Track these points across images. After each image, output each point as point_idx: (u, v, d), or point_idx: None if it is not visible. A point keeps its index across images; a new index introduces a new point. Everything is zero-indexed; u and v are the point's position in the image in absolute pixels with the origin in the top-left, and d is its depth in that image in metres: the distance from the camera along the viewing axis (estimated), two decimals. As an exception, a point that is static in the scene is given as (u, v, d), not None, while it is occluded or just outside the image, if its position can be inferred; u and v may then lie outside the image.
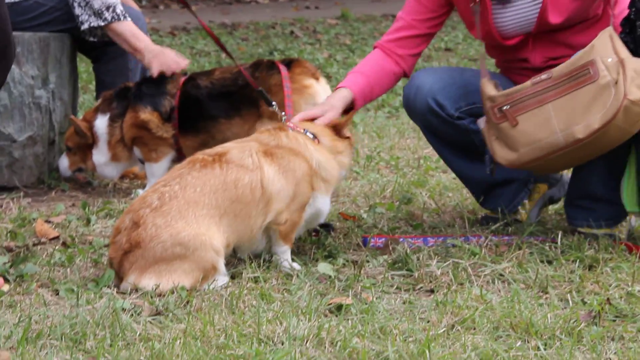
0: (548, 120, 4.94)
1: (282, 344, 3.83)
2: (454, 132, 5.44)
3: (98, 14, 6.27)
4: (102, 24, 6.33)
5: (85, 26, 6.38)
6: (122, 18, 6.36)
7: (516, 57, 5.48)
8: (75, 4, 6.34)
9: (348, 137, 5.06)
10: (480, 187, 5.86)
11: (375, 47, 5.63)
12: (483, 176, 5.63)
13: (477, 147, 5.43)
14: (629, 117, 4.72)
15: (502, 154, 5.16)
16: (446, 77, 5.43)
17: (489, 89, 5.13)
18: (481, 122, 5.28)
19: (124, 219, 4.47)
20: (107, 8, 6.29)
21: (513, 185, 5.76)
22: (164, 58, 6.18)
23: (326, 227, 5.43)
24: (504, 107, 5.06)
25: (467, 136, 5.35)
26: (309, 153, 4.71)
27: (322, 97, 4.87)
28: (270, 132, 4.83)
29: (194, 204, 4.41)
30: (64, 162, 6.35)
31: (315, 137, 4.88)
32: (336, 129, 5.04)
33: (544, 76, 5.00)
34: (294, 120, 5.02)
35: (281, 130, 4.83)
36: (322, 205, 4.94)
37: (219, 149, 4.75)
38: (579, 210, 5.38)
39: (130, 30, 6.36)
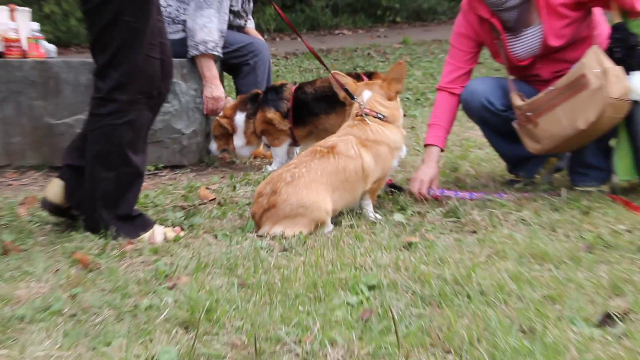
0: (559, 119, 5.05)
1: (371, 270, 3.85)
2: (501, 122, 5.54)
3: (194, 46, 6.27)
4: (194, 53, 6.32)
5: (188, 55, 6.38)
6: (208, 51, 6.31)
7: (530, 73, 5.53)
8: (190, 42, 6.34)
9: (395, 97, 5.07)
10: (512, 160, 5.93)
11: (438, 89, 5.73)
12: (515, 153, 5.74)
13: (514, 132, 5.38)
14: (614, 109, 4.83)
15: (531, 146, 5.32)
16: (491, 83, 5.56)
17: (517, 100, 5.28)
18: (514, 124, 5.31)
19: (265, 187, 4.63)
20: (201, 43, 6.28)
21: (534, 160, 5.77)
22: (211, 92, 6.24)
23: (398, 188, 5.45)
24: (528, 114, 5.17)
25: (508, 124, 5.35)
26: (387, 138, 4.88)
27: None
28: (358, 126, 4.90)
29: (315, 182, 4.57)
30: (213, 146, 6.41)
31: (384, 117, 4.90)
32: (390, 97, 5.02)
33: (551, 87, 5.12)
34: (365, 100, 4.98)
35: (364, 123, 4.87)
36: (395, 163, 5.05)
37: (329, 142, 4.83)
38: (578, 175, 5.45)
39: (203, 63, 6.34)
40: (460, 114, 5.81)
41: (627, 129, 5.08)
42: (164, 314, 3.32)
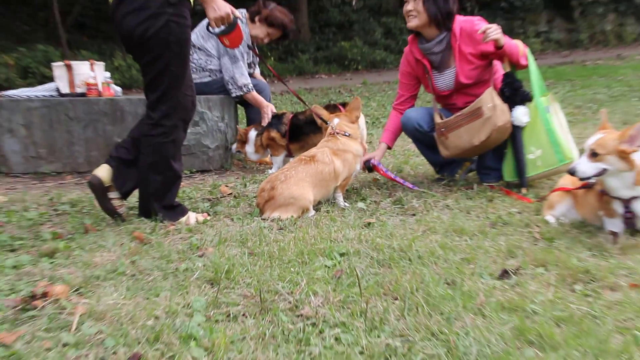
0: (461, 136, 5.19)
1: (342, 242, 3.86)
2: (428, 139, 5.55)
3: (239, 88, 6.27)
4: (240, 93, 6.32)
5: (233, 95, 6.37)
6: (250, 90, 6.34)
7: (449, 102, 5.53)
8: (229, 85, 6.34)
9: (356, 121, 5.15)
10: (437, 165, 5.88)
11: (393, 108, 5.79)
12: (439, 160, 5.71)
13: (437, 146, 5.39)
14: (499, 132, 5.03)
15: (443, 152, 5.42)
16: (422, 111, 5.56)
17: (437, 118, 5.35)
18: (435, 135, 5.32)
19: (266, 184, 4.61)
20: (243, 86, 6.28)
21: (453, 164, 5.74)
22: (268, 110, 6.25)
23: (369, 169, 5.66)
24: (442, 129, 5.25)
25: (433, 139, 5.31)
26: (351, 148, 4.91)
27: (361, 120, 4.94)
28: (331, 141, 4.92)
29: (301, 180, 4.59)
30: (234, 146, 6.47)
31: (349, 134, 4.93)
32: (352, 121, 5.10)
33: (459, 113, 5.18)
34: (335, 124, 5.01)
35: (335, 138, 4.92)
36: (358, 167, 5.08)
37: (311, 153, 4.85)
38: (483, 174, 5.47)
39: (253, 97, 6.37)
40: (400, 137, 5.88)
41: (512, 144, 5.16)
42: (196, 274, 3.35)
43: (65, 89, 6.45)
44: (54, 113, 6.24)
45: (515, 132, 5.11)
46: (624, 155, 3.67)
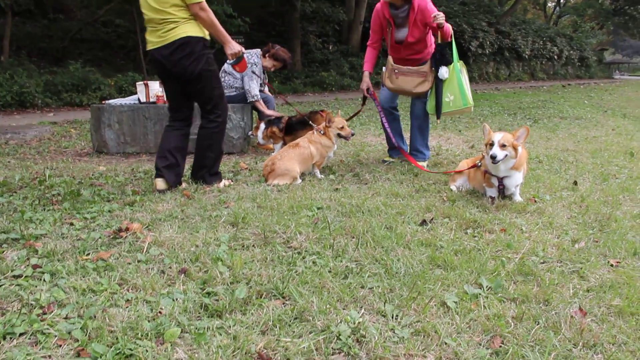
0: (407, 82, 5.16)
1: (318, 200, 3.85)
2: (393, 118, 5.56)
3: (251, 97, 6.24)
4: (252, 100, 6.30)
5: (248, 101, 6.37)
6: (257, 100, 6.31)
7: (398, 53, 5.26)
8: (247, 94, 6.31)
9: (330, 126, 4.84)
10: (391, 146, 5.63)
11: (368, 46, 5.43)
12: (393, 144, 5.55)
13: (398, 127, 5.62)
14: (422, 86, 5.11)
15: (388, 84, 5.31)
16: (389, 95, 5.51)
17: (391, 61, 5.32)
18: (384, 72, 5.41)
19: (268, 161, 4.58)
20: (253, 96, 6.27)
21: (396, 149, 5.55)
22: (264, 115, 6.21)
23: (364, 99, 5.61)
24: (396, 71, 5.20)
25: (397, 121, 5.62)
26: (322, 141, 4.78)
27: (338, 122, 4.81)
28: (311, 135, 4.82)
29: (291, 159, 4.54)
30: (250, 132, 6.43)
31: (324, 132, 4.80)
32: (329, 127, 4.84)
33: (413, 68, 5.19)
34: (320, 127, 4.87)
35: (312, 133, 4.82)
36: (331, 154, 4.89)
37: (296, 141, 4.79)
38: (414, 155, 5.36)
39: (257, 105, 6.33)
40: (360, 135, 5.81)
41: (435, 90, 5.06)
42: (223, 219, 3.38)
43: (143, 99, 6.51)
44: (136, 114, 6.31)
45: (437, 83, 5.06)
46: (515, 147, 3.79)
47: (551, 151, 6.27)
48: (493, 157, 3.77)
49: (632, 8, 37.79)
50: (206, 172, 4.32)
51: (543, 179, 4.71)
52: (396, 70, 5.25)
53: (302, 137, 4.90)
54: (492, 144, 3.80)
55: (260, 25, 19.20)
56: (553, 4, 43.14)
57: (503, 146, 3.76)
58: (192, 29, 3.92)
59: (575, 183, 4.60)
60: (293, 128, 6.09)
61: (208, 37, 4.06)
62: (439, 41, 5.03)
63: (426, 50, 5.25)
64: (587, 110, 12.60)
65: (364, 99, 5.58)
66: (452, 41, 5.02)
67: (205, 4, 3.92)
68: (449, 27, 4.99)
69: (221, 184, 4.34)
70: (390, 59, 5.34)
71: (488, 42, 26.57)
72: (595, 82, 27.48)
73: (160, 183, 4.17)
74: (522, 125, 3.92)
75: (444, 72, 5.01)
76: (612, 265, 2.88)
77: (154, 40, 3.98)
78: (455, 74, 5.02)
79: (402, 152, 5.43)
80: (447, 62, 5.04)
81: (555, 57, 32.87)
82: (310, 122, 5.74)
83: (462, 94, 4.96)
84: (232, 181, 4.53)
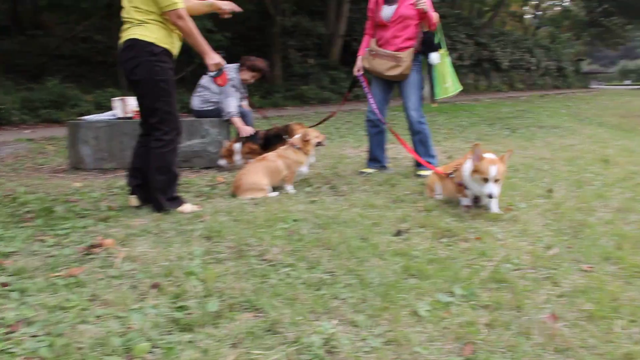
0: (382, 64, 5.19)
1: (294, 212, 3.82)
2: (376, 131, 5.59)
3: (226, 114, 6.19)
4: (227, 117, 6.24)
5: (224, 118, 6.29)
6: (232, 116, 6.22)
7: (384, 34, 5.25)
8: (224, 113, 6.27)
9: (307, 146, 4.75)
10: (372, 158, 5.62)
11: (365, 34, 5.45)
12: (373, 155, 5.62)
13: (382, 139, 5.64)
14: (398, 76, 5.22)
15: (365, 63, 5.38)
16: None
17: (373, 44, 5.35)
18: (366, 52, 5.45)
19: (236, 177, 4.51)
20: (228, 113, 6.21)
21: (378, 164, 5.58)
22: (246, 131, 6.07)
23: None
24: (374, 53, 5.25)
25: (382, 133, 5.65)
26: (291, 156, 4.67)
27: (312, 133, 4.79)
28: (283, 149, 4.78)
29: (257, 172, 4.50)
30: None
31: (300, 148, 4.73)
32: (306, 143, 4.76)
33: (390, 52, 5.21)
34: (295, 140, 4.82)
35: (286, 148, 4.76)
36: (302, 170, 4.76)
37: (265, 155, 4.78)
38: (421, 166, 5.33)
39: (234, 121, 6.23)
40: (338, 147, 5.79)
41: (429, 77, 5.23)
42: (198, 233, 3.36)
43: (120, 114, 6.48)
44: (112, 130, 6.27)
45: (431, 68, 5.16)
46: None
47: (528, 160, 6.32)
48: (490, 196, 3.72)
49: (606, 19, 38.56)
50: (160, 196, 3.98)
51: (519, 187, 4.74)
52: (374, 52, 5.29)
53: (272, 152, 4.84)
54: (486, 179, 3.71)
55: (240, 40, 19.20)
56: (531, 16, 43.81)
57: (496, 180, 3.72)
58: (142, 33, 3.73)
59: (550, 191, 4.65)
60: (270, 141, 6.05)
61: (167, 46, 3.83)
62: (425, 29, 5.11)
63: (410, 41, 5.22)
64: (564, 119, 12.77)
65: (353, 83, 5.62)
66: (439, 30, 5.11)
67: (182, 12, 3.72)
68: (434, 16, 5.04)
69: (184, 208, 4.02)
70: (373, 40, 5.37)
71: (467, 54, 26.89)
72: (573, 92, 27.90)
73: (133, 200, 4.09)
74: (508, 149, 3.93)
75: (434, 57, 5.12)
76: (584, 271, 2.91)
77: (119, 43, 3.89)
78: (447, 61, 5.15)
79: (404, 147, 5.41)
80: (435, 48, 5.13)
81: (533, 67, 33.34)
82: (285, 135, 5.70)
83: (455, 79, 5.16)
84: (200, 206, 4.17)
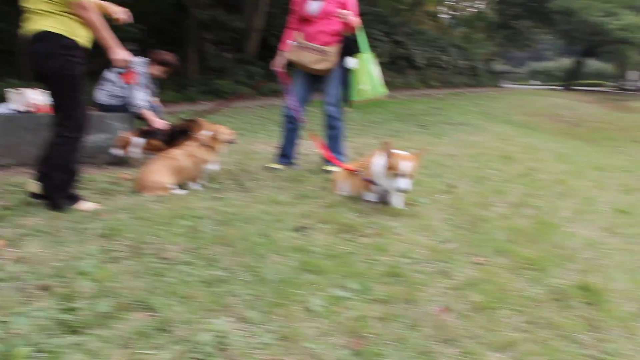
0: (308, 56, 5.12)
1: (198, 209, 3.74)
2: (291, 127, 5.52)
3: (134, 107, 6.02)
4: (135, 111, 6.07)
5: (132, 111, 6.14)
6: (140, 109, 6.04)
7: (309, 29, 5.17)
8: (132, 107, 6.10)
9: (216, 144, 4.63)
10: (283, 153, 5.58)
11: (287, 28, 5.36)
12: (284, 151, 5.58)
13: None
14: (323, 70, 5.15)
15: (290, 56, 5.25)
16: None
17: (300, 38, 5.21)
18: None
19: (139, 174, 4.41)
20: (136, 106, 6.05)
21: (287, 159, 5.54)
22: (159, 124, 5.90)
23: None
24: (302, 46, 5.15)
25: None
26: (199, 154, 4.53)
27: (222, 129, 4.69)
28: (191, 146, 4.61)
29: (159, 170, 4.36)
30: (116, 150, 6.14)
31: (209, 146, 4.60)
32: (216, 141, 4.65)
33: (316, 45, 5.12)
34: (203, 137, 4.70)
35: (194, 145, 4.60)
36: (210, 168, 4.61)
37: (169, 152, 4.63)
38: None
39: (144, 114, 6.05)
40: (248, 142, 5.65)
41: (343, 77, 5.16)
42: (95, 231, 3.25)
43: (19, 108, 6.19)
44: (10, 124, 5.97)
45: (345, 72, 5.11)
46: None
47: (434, 156, 6.48)
48: (404, 190, 3.83)
49: (516, 22, 40.47)
50: (56, 194, 3.84)
51: (423, 183, 4.88)
52: (302, 45, 5.21)
53: (179, 148, 4.70)
54: (398, 175, 3.80)
55: (154, 32, 18.70)
56: (447, 16, 45.17)
57: (408, 176, 3.81)
58: (53, 25, 3.60)
59: (452, 186, 4.83)
60: (175, 138, 5.92)
61: (78, 39, 3.71)
62: (347, 34, 5.11)
63: (336, 36, 5.20)
64: (473, 116, 13.27)
65: (268, 77, 5.58)
66: (360, 33, 5.10)
67: (86, 3, 3.60)
68: (353, 20, 5.05)
69: (83, 206, 3.87)
70: (298, 34, 5.29)
71: (384, 52, 27.38)
72: (484, 90, 28.97)
73: (32, 185, 3.88)
74: (421, 148, 4.01)
75: (350, 61, 5.10)
76: (477, 264, 3.06)
77: (24, 33, 3.74)
78: (366, 64, 5.11)
79: (314, 140, 5.41)
80: (354, 52, 5.11)
81: (448, 66, 34.41)
82: (191, 131, 5.56)
83: (374, 83, 5.08)
84: (99, 204, 3.99)
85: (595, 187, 5.79)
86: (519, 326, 2.43)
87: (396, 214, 3.87)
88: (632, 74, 44.47)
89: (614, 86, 45.10)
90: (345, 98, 5.20)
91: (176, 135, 5.89)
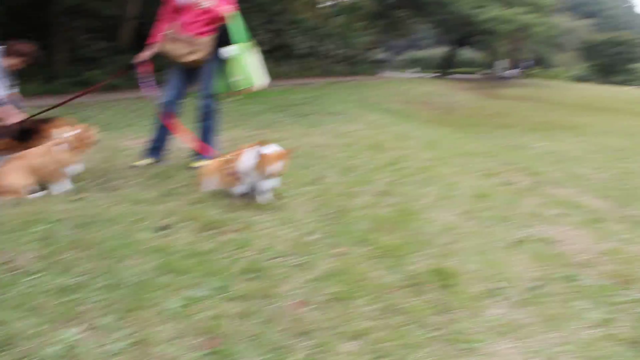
0: (177, 48, 4.97)
1: (54, 213, 3.53)
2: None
3: None
4: None
5: None
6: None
7: (179, 18, 4.99)
8: None
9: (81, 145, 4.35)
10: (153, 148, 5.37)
11: (159, 20, 5.13)
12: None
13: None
14: (194, 61, 5.03)
15: (160, 47, 5.05)
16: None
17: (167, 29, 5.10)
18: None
19: None
20: None
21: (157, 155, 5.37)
22: (15, 117, 5.49)
23: None
24: (171, 36, 4.99)
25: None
26: (61, 155, 4.18)
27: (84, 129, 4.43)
28: (51, 145, 4.28)
29: (13, 171, 4.08)
30: None
31: (72, 147, 4.26)
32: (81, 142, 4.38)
33: (186, 36, 4.99)
34: (66, 138, 4.45)
35: (54, 145, 4.24)
36: (72, 168, 4.27)
37: (23, 152, 4.28)
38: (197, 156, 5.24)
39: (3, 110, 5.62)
40: (115, 139, 5.38)
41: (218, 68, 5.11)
42: None
43: None
44: None
45: (220, 63, 5.01)
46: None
47: (305, 147, 6.52)
48: (268, 189, 3.94)
49: (394, 11, 41.93)
50: None
51: (292, 175, 4.91)
52: (172, 36, 5.04)
53: (35, 148, 4.38)
54: (267, 174, 3.84)
55: (16, 17, 17.56)
56: (326, 4, 45.75)
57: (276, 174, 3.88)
58: None
59: (319, 177, 4.94)
60: (24, 136, 5.50)
61: None
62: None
63: (209, 26, 5.06)
64: (350, 105, 13.55)
65: (130, 67, 5.33)
66: (235, 22, 5.00)
67: None
68: (220, 11, 4.94)
69: None
70: (171, 25, 5.09)
71: (263, 41, 27.33)
72: (363, 79, 29.69)
73: None
74: (289, 148, 4.02)
75: (223, 52, 4.99)
76: (338, 254, 3.17)
77: None
78: (240, 55, 5.00)
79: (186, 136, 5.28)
80: (229, 42, 5.00)
81: (328, 55, 35.00)
82: (45, 129, 5.20)
83: (248, 75, 5.00)
84: None
85: (459, 173, 6.01)
86: (372, 314, 2.57)
87: (262, 208, 3.88)
88: (500, 63, 47.38)
89: (484, 74, 47.87)
90: (221, 90, 5.16)
91: (27, 133, 5.51)
